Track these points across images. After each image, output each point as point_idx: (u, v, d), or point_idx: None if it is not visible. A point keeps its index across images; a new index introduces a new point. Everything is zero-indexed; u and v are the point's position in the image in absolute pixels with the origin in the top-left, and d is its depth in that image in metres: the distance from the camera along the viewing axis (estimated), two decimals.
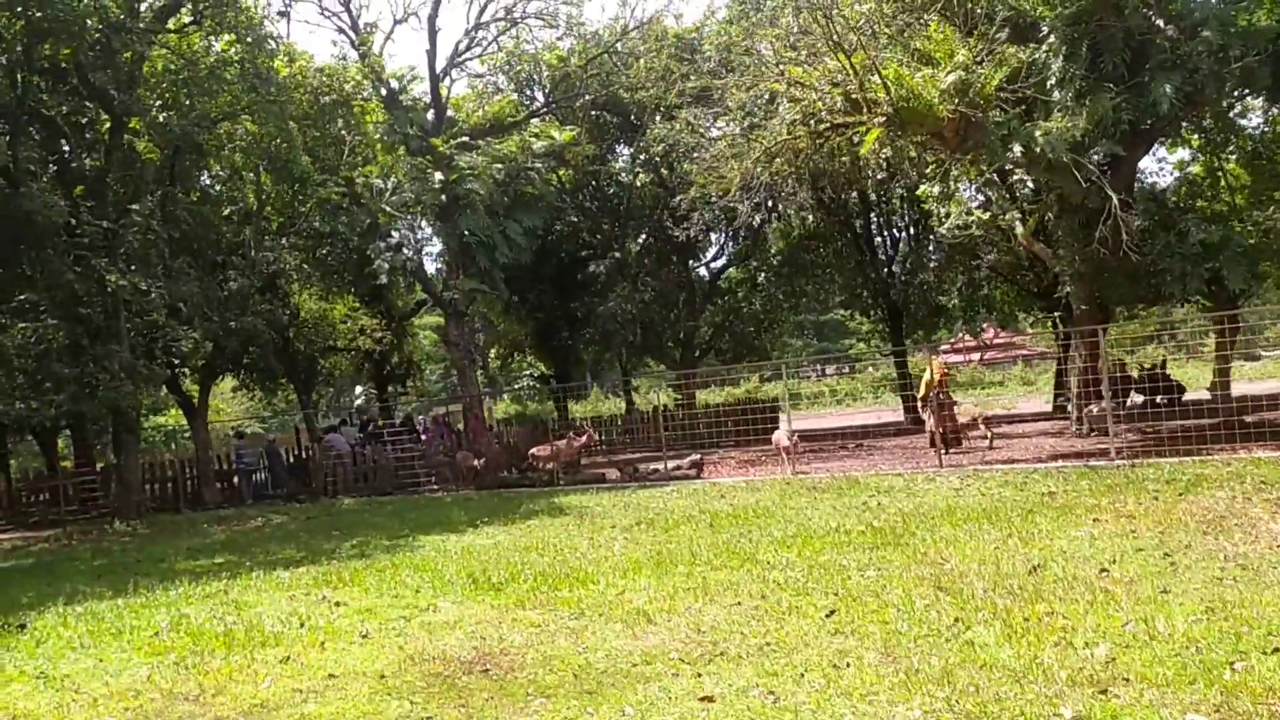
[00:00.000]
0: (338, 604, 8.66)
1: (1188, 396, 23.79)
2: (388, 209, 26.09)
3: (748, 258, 33.11)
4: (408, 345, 36.31)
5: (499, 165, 25.77)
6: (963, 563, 7.69)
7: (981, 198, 25.32)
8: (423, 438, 24.02)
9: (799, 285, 32.62)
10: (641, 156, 31.28)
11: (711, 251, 35.79)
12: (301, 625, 7.89)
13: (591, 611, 7.40)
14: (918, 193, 27.67)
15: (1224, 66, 15.80)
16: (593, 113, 31.81)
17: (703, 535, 10.55)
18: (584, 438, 20.75)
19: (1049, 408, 29.98)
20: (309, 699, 5.88)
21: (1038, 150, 15.80)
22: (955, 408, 19.61)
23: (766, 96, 19.68)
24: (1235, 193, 22.26)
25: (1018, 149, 15.92)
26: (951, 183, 20.67)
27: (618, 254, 32.92)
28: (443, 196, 24.94)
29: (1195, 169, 26.02)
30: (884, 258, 31.35)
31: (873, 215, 31.26)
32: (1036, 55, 16.96)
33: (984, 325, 46.39)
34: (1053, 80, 16.82)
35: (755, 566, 8.46)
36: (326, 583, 9.93)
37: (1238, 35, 16.35)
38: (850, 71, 15.14)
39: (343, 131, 25.92)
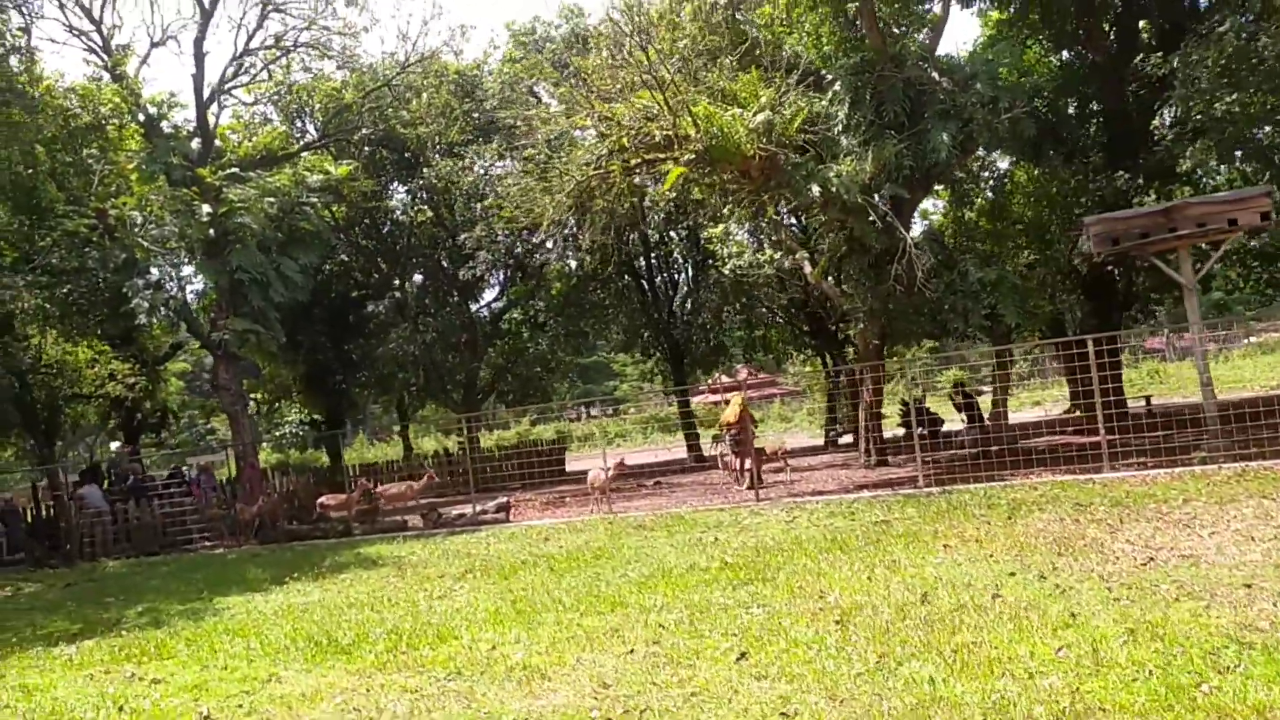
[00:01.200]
0: (155, 681, 7.53)
1: (945, 427, 25.52)
2: (145, 244, 24.01)
3: (531, 297, 32.72)
4: (160, 392, 33.43)
5: (271, 199, 24.22)
6: (846, 595, 7.60)
7: (757, 241, 26.28)
8: (193, 490, 21.98)
9: (582, 325, 32.56)
10: (422, 194, 30.43)
11: (492, 292, 35.26)
12: (120, 710, 6.78)
13: (470, 670, 6.75)
14: (703, 234, 28.49)
15: (995, 117, 17.03)
16: (368, 148, 30.63)
17: (551, 580, 10.02)
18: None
19: (818, 442, 31.33)
20: None
21: (833, 190, 16.43)
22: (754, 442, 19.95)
23: (571, 131, 19.50)
24: (976, 240, 24.02)
25: (815, 189, 16.47)
26: (734, 225, 21.31)
27: (397, 294, 31.78)
28: (211, 230, 23.14)
29: (937, 218, 28.20)
30: (664, 298, 31.80)
31: (653, 256, 31.61)
32: (825, 103, 17.73)
33: (739, 366, 48.15)
34: (839, 127, 17.63)
35: (629, 610, 8.05)
36: (127, 657, 8.67)
37: (1005, 89, 17.76)
38: (664, 107, 15.20)
39: (90, 160, 23.72)
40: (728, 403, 23.30)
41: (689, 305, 31.37)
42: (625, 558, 11.04)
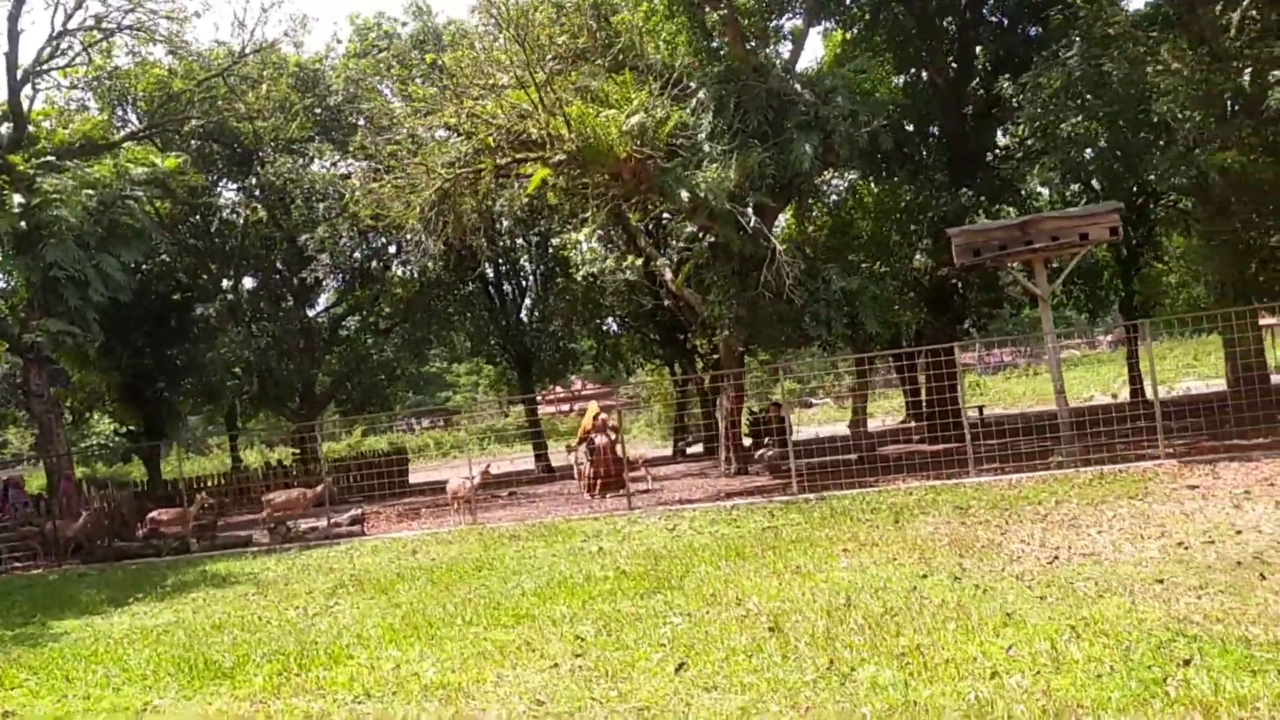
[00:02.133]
0: (6, 715, 6.59)
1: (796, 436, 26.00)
2: None
3: (374, 302, 31.43)
4: None
5: (90, 191, 22.45)
6: (765, 601, 7.37)
7: (615, 247, 26.13)
8: (1, 506, 19.96)
9: (427, 332, 31.55)
10: (256, 192, 28.85)
11: (328, 297, 33.78)
12: None
13: (380, 691, 6.17)
14: (554, 240, 28.13)
15: (855, 130, 17.39)
16: (197, 142, 28.86)
17: (436, 594, 9.42)
18: (321, 486, 18.15)
19: (665, 451, 31.37)
20: None
21: (701, 196, 16.40)
22: (615, 451, 19.69)
23: (429, 131, 18.76)
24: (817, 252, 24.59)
25: (685, 194, 16.39)
26: (589, 231, 21.06)
27: (229, 296, 29.98)
28: (22, 223, 21.20)
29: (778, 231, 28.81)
30: (512, 305, 31.19)
31: (500, 263, 30.92)
32: (689, 111, 17.70)
33: (572, 377, 47.99)
34: (703, 134, 17.64)
35: (536, 622, 7.60)
36: None
37: (864, 103, 18.19)
38: (539, 105, 14.79)
39: None
40: (582, 412, 23.02)
41: (537, 313, 30.88)
42: (510, 569, 10.55)
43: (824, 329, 17.43)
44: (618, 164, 15.53)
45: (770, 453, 19.35)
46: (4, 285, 25.44)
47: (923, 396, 26.83)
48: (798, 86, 18.31)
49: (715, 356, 29.75)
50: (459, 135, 16.85)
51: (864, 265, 23.04)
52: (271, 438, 44.48)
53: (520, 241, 30.30)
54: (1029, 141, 21.28)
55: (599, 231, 23.46)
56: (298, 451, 32.18)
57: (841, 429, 25.55)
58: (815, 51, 63.49)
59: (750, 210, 17.38)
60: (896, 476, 15.24)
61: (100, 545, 17.84)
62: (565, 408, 70.38)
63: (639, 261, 20.77)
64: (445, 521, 17.08)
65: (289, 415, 30.81)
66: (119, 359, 27.35)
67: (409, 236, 24.91)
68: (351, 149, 26.65)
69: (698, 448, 30.44)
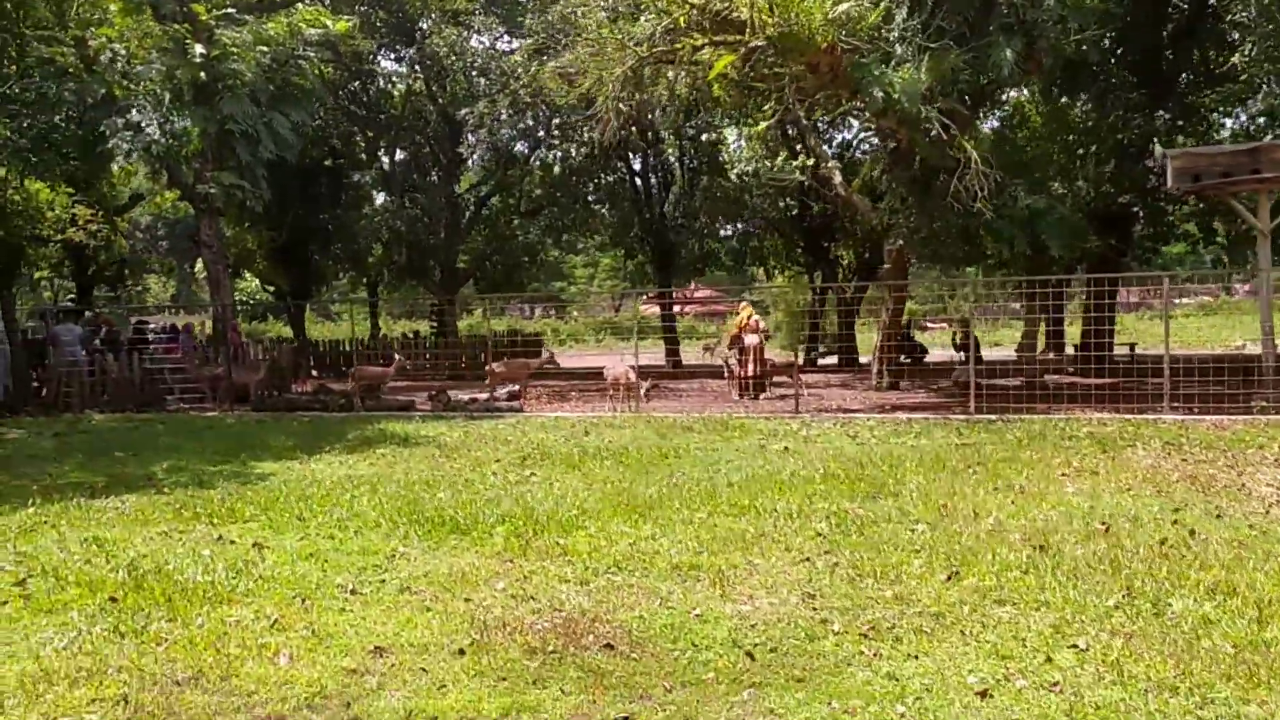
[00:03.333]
0: (257, 545, 6.78)
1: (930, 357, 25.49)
2: (125, 82, 22.37)
3: (520, 183, 31.40)
4: (117, 244, 31.60)
5: (264, 48, 22.70)
6: (1008, 519, 7.09)
7: (786, 148, 25.42)
8: (179, 350, 20.81)
9: (569, 219, 31.49)
10: (419, 62, 28.77)
11: (472, 174, 33.89)
12: (237, 572, 6.04)
13: (631, 565, 6.11)
14: (712, 135, 27.52)
15: (1065, 37, 16.34)
16: (362, 8, 28.80)
17: (632, 476, 9.37)
18: (395, 363, 18.54)
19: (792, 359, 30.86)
20: (384, 677, 4.31)
21: (895, 97, 15.67)
22: (764, 353, 19.42)
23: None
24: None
25: (878, 93, 15.67)
26: (759, 127, 20.38)
27: (385, 165, 30.29)
28: (202, 74, 21.56)
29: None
30: (657, 198, 30.81)
31: (649, 154, 30.47)
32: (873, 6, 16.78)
33: (691, 282, 47.37)
34: (895, 33, 16.75)
35: (759, 514, 7.47)
36: (195, 516, 7.88)
37: (1075, 8, 16.98)
38: None
39: None
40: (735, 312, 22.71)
41: (681, 208, 30.41)
42: (698, 459, 10.47)
43: (1006, 247, 16.73)
44: (817, 54, 14.88)
45: (963, 370, 18.76)
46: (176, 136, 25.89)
47: (1059, 328, 25.89)
48: None
49: (856, 266, 29.20)
50: (652, 11, 16.31)
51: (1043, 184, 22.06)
52: (413, 309, 45.34)
53: (668, 135, 29.77)
54: (1257, 61, 19.65)
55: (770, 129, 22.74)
56: (435, 325, 32.77)
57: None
58: None
59: (941, 117, 16.59)
60: (1072, 406, 14.67)
61: (270, 395, 18.46)
62: (677, 308, 70.40)
63: (809, 162, 20.13)
64: (597, 406, 17.18)
65: (431, 289, 31.26)
66: (281, 218, 27.90)
67: (573, 117, 24.71)
68: (522, 23, 26.32)
69: (831, 358, 30.01)
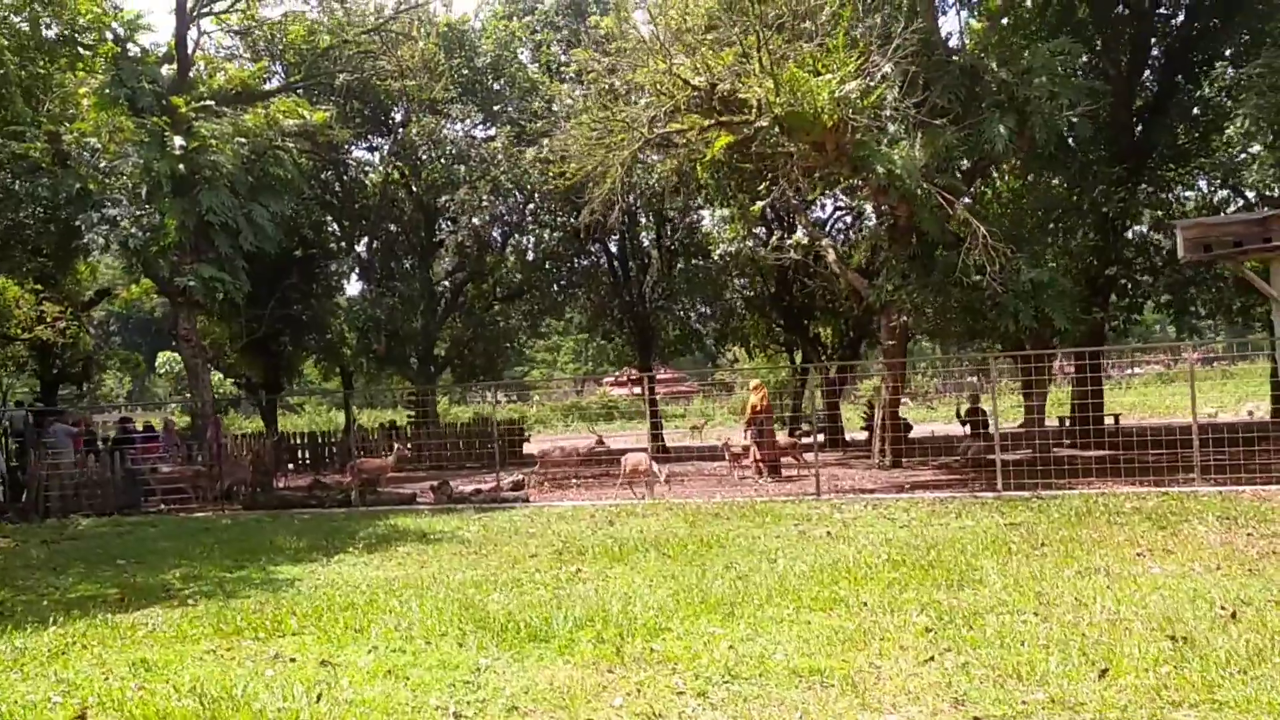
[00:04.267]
0: (322, 663, 6.25)
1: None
2: (100, 176, 22.05)
3: (494, 270, 31.17)
4: (82, 341, 30.75)
5: (242, 139, 22.49)
6: (1120, 607, 6.73)
7: (777, 226, 25.55)
8: (160, 448, 20.05)
9: (546, 305, 31.32)
10: (397, 150, 28.66)
11: (447, 261, 33.64)
12: (317, 699, 5.51)
13: (745, 671, 5.66)
14: (702, 214, 27.60)
15: (1057, 112, 16.58)
16: (336, 99, 28.75)
17: (683, 570, 8.93)
18: (397, 452, 18.03)
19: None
20: None
21: (897, 174, 15.76)
22: (774, 435, 19.17)
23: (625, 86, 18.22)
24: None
25: (880, 170, 15.74)
26: (756, 207, 20.44)
27: (363, 252, 29.97)
28: (180, 166, 21.20)
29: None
30: (635, 280, 30.72)
31: (626, 237, 30.46)
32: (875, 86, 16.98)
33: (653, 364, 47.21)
34: (888, 111, 16.93)
35: (848, 608, 7.08)
36: (236, 631, 7.30)
37: (1067, 86, 17.29)
38: (756, 65, 14.22)
39: (52, 78, 21.54)
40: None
41: (660, 290, 30.30)
42: (745, 548, 10.06)
43: (1010, 321, 16.69)
44: (823, 132, 14.92)
45: (973, 446, 18.59)
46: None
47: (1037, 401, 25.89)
48: (993, 64, 17.57)
49: (840, 344, 29.20)
50: (654, 94, 16.32)
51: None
52: (394, 398, 44.45)
53: (647, 216, 29.84)
54: (1247, 132, 20.08)
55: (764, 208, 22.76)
56: (412, 414, 32.15)
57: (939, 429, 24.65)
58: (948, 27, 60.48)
59: (942, 192, 16.69)
60: (1090, 480, 14.51)
61: (257, 491, 17.79)
62: (636, 390, 70.21)
63: (804, 240, 20.18)
64: (603, 494, 16.73)
65: (410, 377, 30.74)
66: (255, 309, 27.35)
67: (548, 202, 24.48)
68: (501, 111, 26.40)
69: (817, 438, 29.73)
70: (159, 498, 18.10)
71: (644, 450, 16.55)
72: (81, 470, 17.96)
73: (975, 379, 32.03)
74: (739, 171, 20.29)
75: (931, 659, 5.75)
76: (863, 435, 27.06)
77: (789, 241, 20.26)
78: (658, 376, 64.23)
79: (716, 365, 51.26)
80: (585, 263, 31.38)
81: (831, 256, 19.99)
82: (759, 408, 17.88)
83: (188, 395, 42.00)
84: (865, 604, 7.12)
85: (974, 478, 15.83)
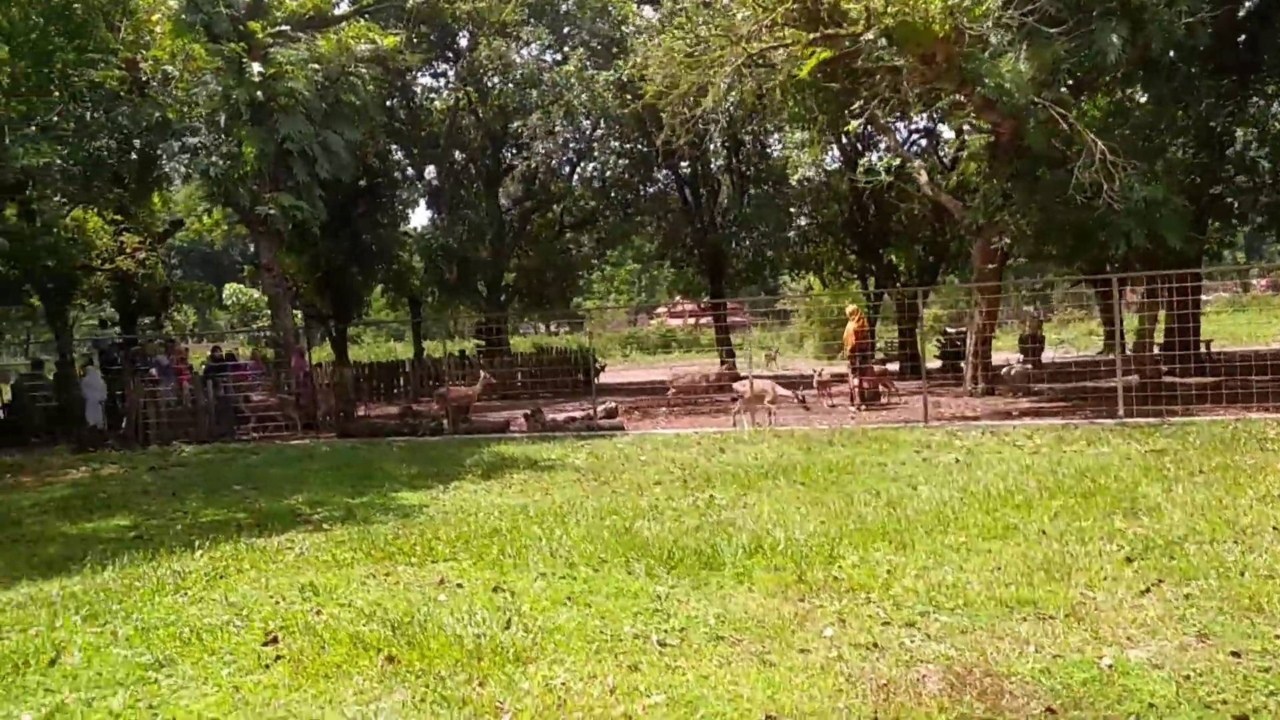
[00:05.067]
0: (495, 589, 6.09)
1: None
2: (176, 104, 21.84)
3: (563, 197, 30.76)
4: (157, 272, 30.90)
5: (316, 65, 22.14)
6: None
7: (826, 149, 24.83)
8: (249, 377, 20.12)
9: (618, 232, 30.91)
10: (466, 76, 28.18)
11: (514, 188, 33.29)
12: (506, 623, 5.34)
13: (948, 603, 5.40)
14: (783, 138, 26.91)
15: (1175, 19, 15.70)
16: (403, 24, 28.23)
17: (822, 496, 8.67)
18: (481, 382, 17.93)
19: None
20: None
21: (1007, 87, 15.08)
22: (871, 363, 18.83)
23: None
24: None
25: (990, 84, 15.06)
26: (852, 126, 19.76)
27: (434, 181, 29.70)
28: (259, 93, 20.94)
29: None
30: (706, 206, 30.17)
31: (698, 162, 29.82)
32: None
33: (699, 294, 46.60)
34: (990, 22, 16.13)
35: (1023, 536, 6.78)
36: (390, 556, 7.17)
37: None
38: None
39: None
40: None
41: (732, 215, 29.72)
42: (875, 475, 9.78)
43: (1122, 241, 16.02)
44: (933, 43, 14.26)
45: (1015, 370, 18.15)
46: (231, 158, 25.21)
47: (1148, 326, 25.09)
48: None
49: (916, 270, 28.53)
50: (752, 7, 15.66)
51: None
52: (460, 327, 44.51)
53: (719, 141, 29.16)
54: None
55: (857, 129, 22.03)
56: (482, 343, 32.10)
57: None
58: None
59: (1054, 107, 15.96)
60: (1203, 407, 14.04)
61: (341, 418, 17.82)
62: (694, 320, 69.83)
63: (895, 162, 19.53)
64: (695, 422, 16.54)
65: (480, 306, 30.62)
66: (329, 239, 27.23)
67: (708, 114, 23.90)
68: (572, 33, 25.80)
69: (893, 366, 29.28)
70: (251, 425, 18.19)
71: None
72: (179, 399, 18.06)
73: (1032, 307, 31.37)
74: (823, 92, 19.61)
75: (1147, 590, 5.44)
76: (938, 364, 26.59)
77: (878, 163, 19.62)
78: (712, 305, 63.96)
79: (775, 295, 50.68)
80: (652, 190, 30.93)
81: (924, 178, 19.35)
82: (860, 334, 17.47)
83: (254, 326, 42.48)
84: (1043, 532, 6.81)
85: (1092, 404, 15.36)
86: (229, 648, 5.21)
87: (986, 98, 15.42)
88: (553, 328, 66.45)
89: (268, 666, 4.90)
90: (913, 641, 4.83)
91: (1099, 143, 14.56)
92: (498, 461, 12.45)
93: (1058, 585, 5.57)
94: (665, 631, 5.14)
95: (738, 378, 16.87)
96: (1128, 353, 18.93)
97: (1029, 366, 18.96)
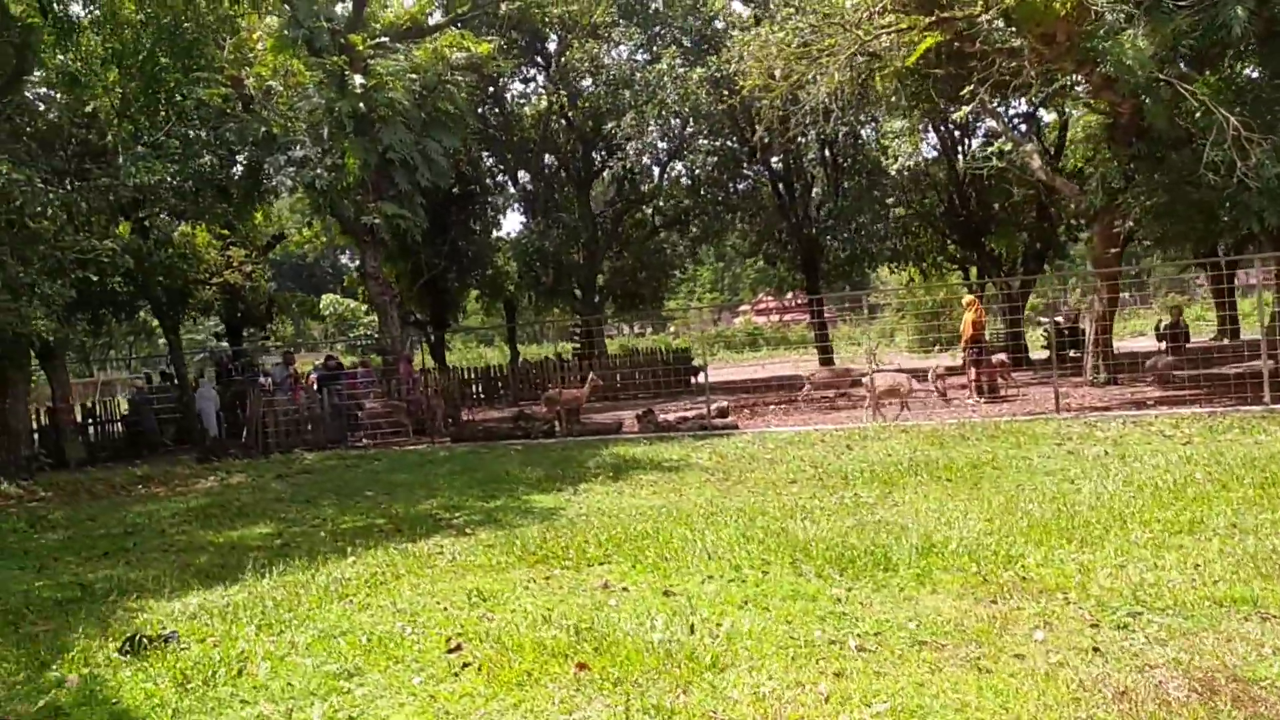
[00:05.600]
0: (665, 593, 5.95)
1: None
2: (280, 119, 22.21)
3: (653, 198, 30.61)
4: (261, 284, 31.62)
5: (414, 75, 22.38)
6: None
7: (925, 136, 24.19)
8: (359, 385, 20.42)
9: (710, 230, 30.68)
10: (556, 80, 28.28)
11: (604, 191, 33.29)
12: (690, 628, 5.18)
13: (1158, 604, 5.10)
14: (882, 128, 26.39)
15: None
16: (496, 31, 28.40)
17: (973, 493, 8.38)
18: (589, 383, 17.91)
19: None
20: None
21: (1128, 65, 14.47)
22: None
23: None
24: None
25: (1112, 62, 14.48)
26: (960, 112, 19.26)
27: (527, 186, 29.86)
28: (361, 104, 21.24)
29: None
30: (799, 199, 29.75)
31: (790, 156, 29.41)
32: None
33: (789, 291, 45.94)
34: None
35: (1205, 531, 6.42)
36: (545, 560, 7.08)
37: None
38: None
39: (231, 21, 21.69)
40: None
41: (827, 209, 29.25)
42: (1022, 469, 9.43)
43: (1253, 221, 15.28)
44: (1055, 22, 13.77)
45: (1163, 361, 17.48)
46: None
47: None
48: None
49: (1021, 258, 27.73)
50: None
51: None
52: (537, 332, 44.86)
53: (811, 133, 28.72)
54: None
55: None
56: (578, 346, 32.19)
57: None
58: None
59: (1178, 84, 15.30)
60: None
61: (450, 424, 17.94)
62: (779, 317, 69.22)
63: (1007, 147, 18.94)
64: (811, 419, 16.26)
65: (575, 308, 30.69)
66: (429, 247, 27.53)
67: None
68: (664, 33, 25.65)
69: (1001, 356, 28.49)
70: (365, 433, 18.43)
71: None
72: (296, 407, 18.40)
73: (1128, 294, 30.17)
74: (927, 79, 19.13)
75: None
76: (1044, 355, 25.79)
77: (990, 149, 19.06)
78: (797, 302, 63.19)
79: (863, 289, 49.79)
80: (743, 186, 30.61)
81: (1036, 162, 18.77)
82: (978, 324, 17.01)
83: (351, 335, 43.20)
84: (1235, 526, 6.44)
85: (1229, 393, 14.68)
86: (413, 655, 5.15)
87: (1106, 77, 14.85)
88: (637, 329, 66.47)
89: (457, 674, 4.82)
90: (1133, 645, 4.55)
91: (1230, 119, 13.87)
92: (620, 463, 12.35)
93: (1272, 582, 5.23)
94: (859, 636, 4.93)
95: (863, 373, 16.55)
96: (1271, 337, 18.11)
97: (1170, 357, 18.18)
